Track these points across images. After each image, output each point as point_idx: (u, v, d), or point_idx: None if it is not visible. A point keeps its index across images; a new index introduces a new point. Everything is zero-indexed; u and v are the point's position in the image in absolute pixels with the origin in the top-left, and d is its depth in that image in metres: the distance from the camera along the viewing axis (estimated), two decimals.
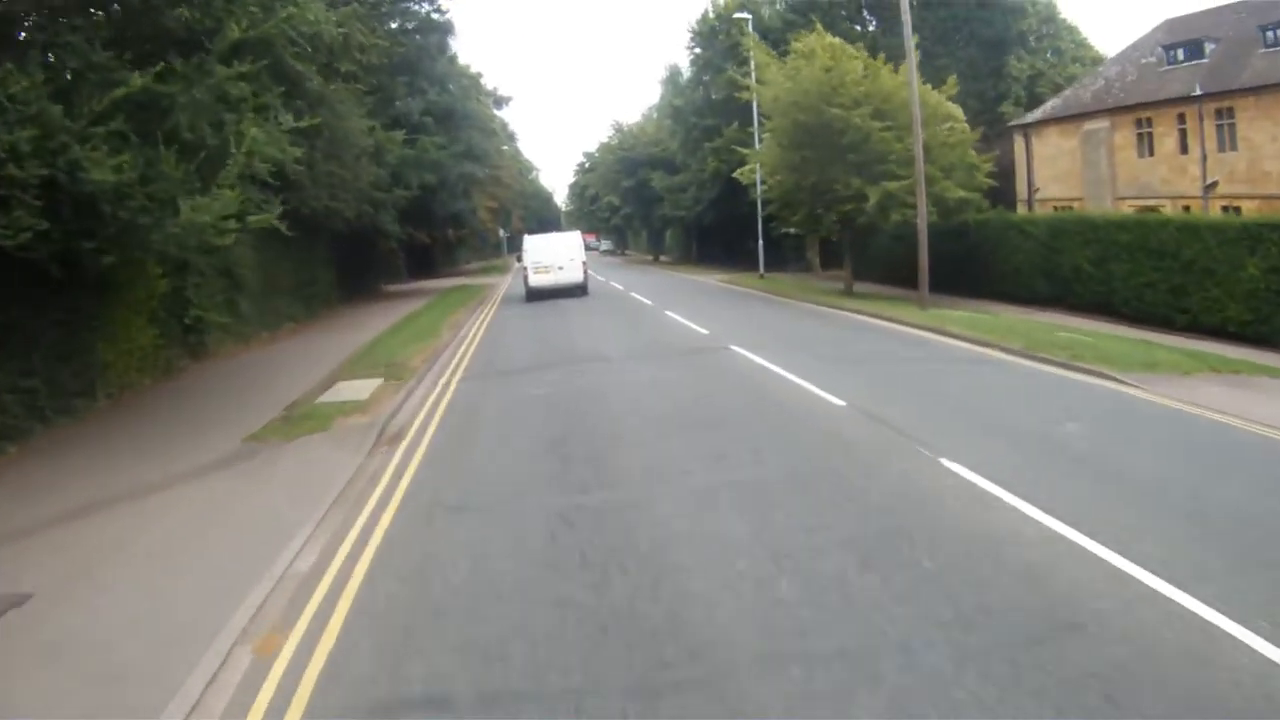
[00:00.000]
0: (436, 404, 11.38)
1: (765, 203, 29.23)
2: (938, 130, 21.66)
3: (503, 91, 61.72)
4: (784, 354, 13.10)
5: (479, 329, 20.40)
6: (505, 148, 49.51)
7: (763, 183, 28.90)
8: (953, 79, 23.14)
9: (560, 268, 26.48)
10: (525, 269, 26.96)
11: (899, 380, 11.56)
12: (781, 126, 24.28)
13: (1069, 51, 35.63)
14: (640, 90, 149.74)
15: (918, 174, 19.60)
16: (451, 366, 14.90)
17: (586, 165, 74.15)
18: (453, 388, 12.71)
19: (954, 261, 23.67)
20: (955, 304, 21.48)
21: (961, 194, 21.74)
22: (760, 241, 31.25)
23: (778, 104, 24.19)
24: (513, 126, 69.90)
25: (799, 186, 24.07)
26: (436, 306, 26.05)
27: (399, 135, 25.10)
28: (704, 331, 17.14)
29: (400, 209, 26.32)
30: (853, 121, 21.16)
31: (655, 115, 51.89)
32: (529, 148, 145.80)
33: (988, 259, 24.36)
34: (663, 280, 35.91)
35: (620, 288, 31.02)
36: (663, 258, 56.34)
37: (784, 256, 37.56)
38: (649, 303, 24.27)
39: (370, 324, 21.24)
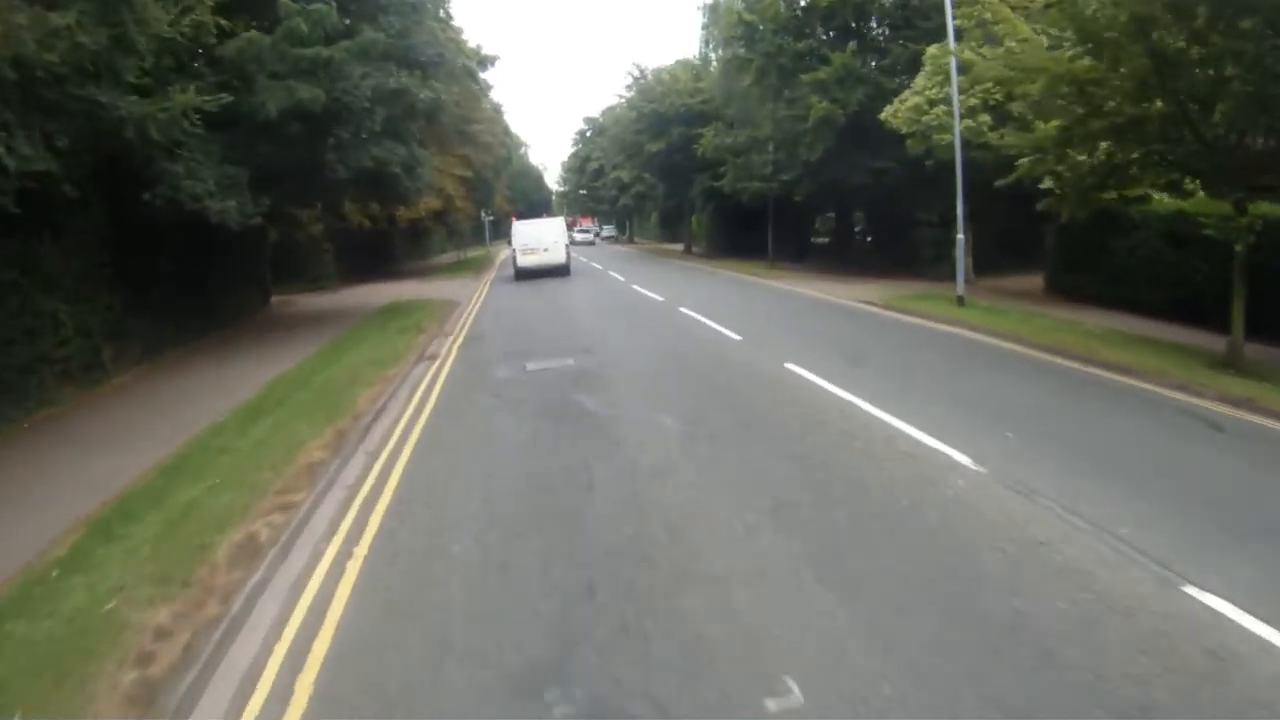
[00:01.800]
0: None
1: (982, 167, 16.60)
2: None
3: (488, 51, 48.47)
4: None
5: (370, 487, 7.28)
6: (486, 105, 36.17)
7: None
8: None
9: (545, 250, 27.50)
10: (514, 251, 28.31)
11: None
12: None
13: None
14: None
15: None
16: None
17: (589, 133, 61.15)
18: None
19: None
20: None
21: None
22: (961, 236, 18.14)
23: None
24: (499, 96, 55.86)
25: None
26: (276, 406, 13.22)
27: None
28: None
29: (252, 166, 13.17)
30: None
31: (698, 60, 38.85)
32: (516, 124, 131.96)
33: None
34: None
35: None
36: (694, 249, 43.45)
37: (859, 247, 25.01)
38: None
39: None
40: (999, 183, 15.00)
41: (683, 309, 15.73)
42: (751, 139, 28.67)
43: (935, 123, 19.52)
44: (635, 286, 21.38)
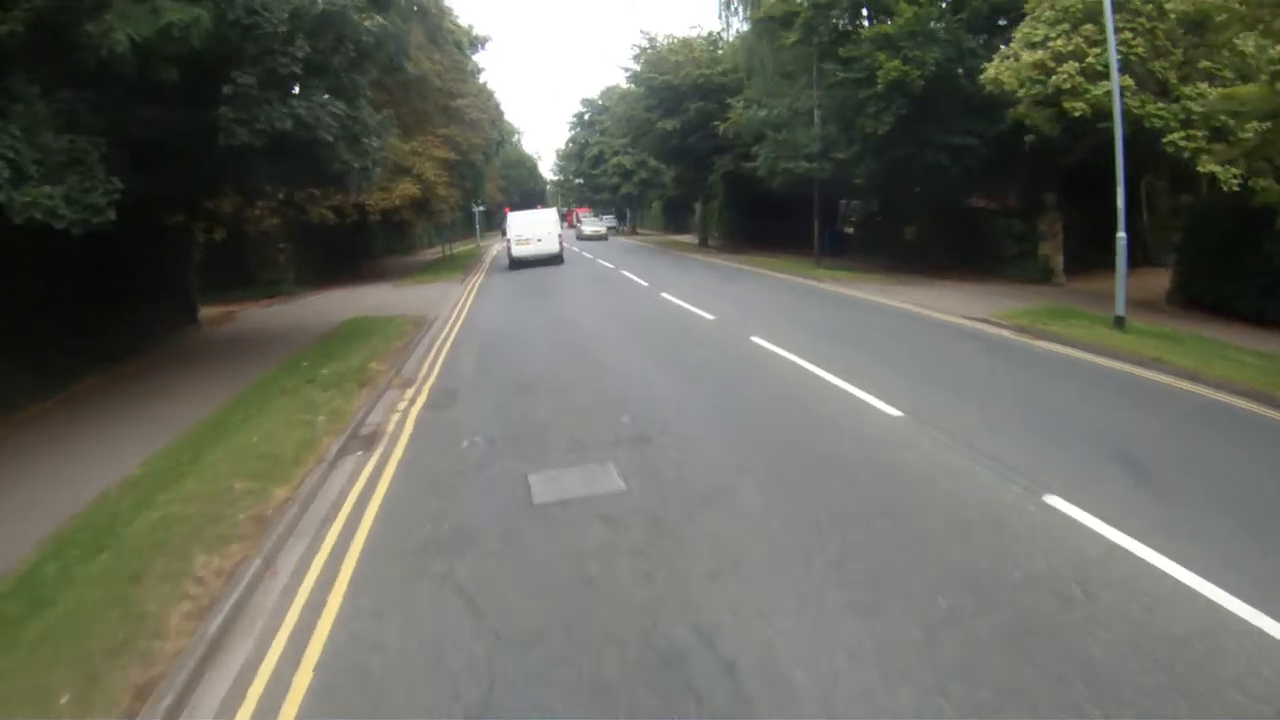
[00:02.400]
0: None
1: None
2: None
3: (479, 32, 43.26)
4: None
5: None
6: (474, 78, 31.07)
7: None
8: None
9: (539, 240, 27.64)
10: (509, 241, 28.63)
11: None
12: None
13: None
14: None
15: None
16: None
17: (586, 116, 56.15)
18: None
19: None
20: None
21: None
22: (1123, 235, 13.00)
23: None
24: (491, 82, 49.64)
25: None
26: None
27: None
28: None
29: (109, 134, 8.41)
30: None
31: (716, 30, 33.66)
32: (509, 111, 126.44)
33: None
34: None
35: None
36: (710, 241, 38.58)
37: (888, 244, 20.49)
38: None
39: None
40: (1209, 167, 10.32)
41: (757, 339, 11.00)
42: (792, 111, 23.83)
43: (1066, 84, 14.80)
44: (667, 295, 16.65)
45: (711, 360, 9.90)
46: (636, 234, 55.56)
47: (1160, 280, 19.69)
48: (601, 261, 28.29)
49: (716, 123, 29.77)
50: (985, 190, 23.99)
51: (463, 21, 29.21)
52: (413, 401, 8.78)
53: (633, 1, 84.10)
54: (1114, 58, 12.95)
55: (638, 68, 33.94)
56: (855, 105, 20.62)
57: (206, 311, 20.15)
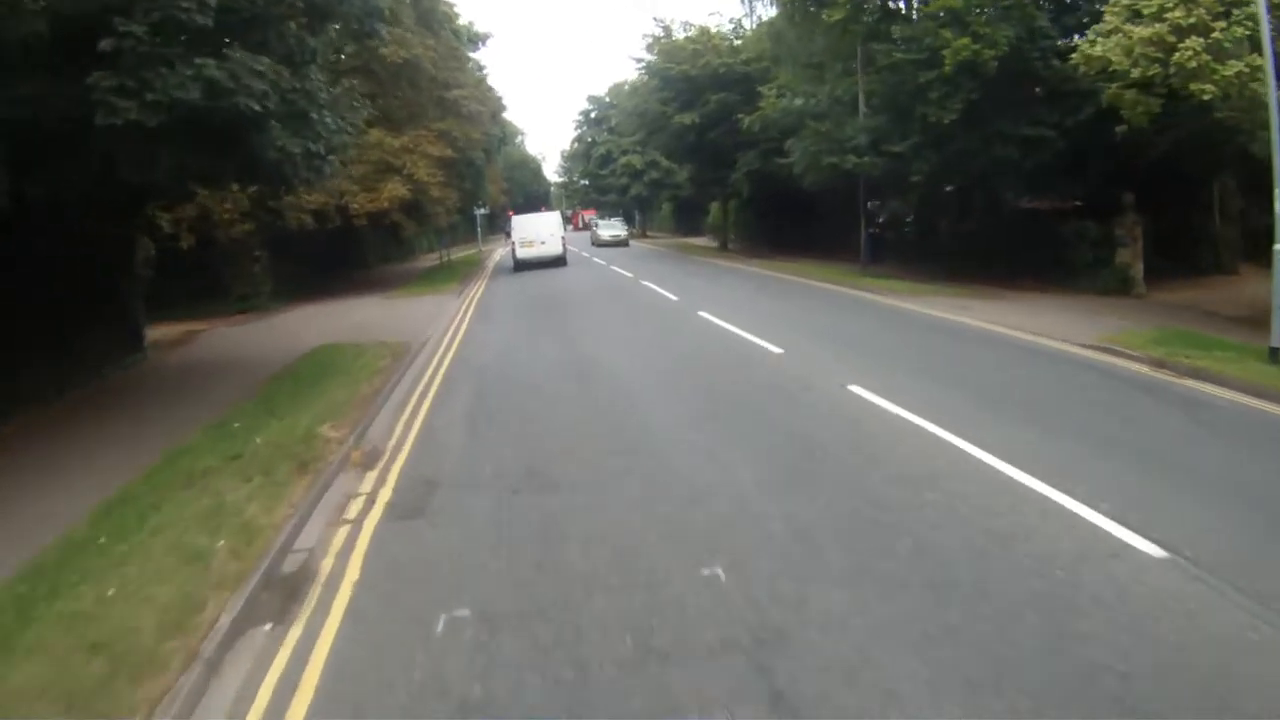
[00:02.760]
0: None
1: None
2: None
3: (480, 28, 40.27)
4: None
5: None
6: (472, 68, 28.20)
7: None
8: None
9: (543, 242, 27.73)
10: (513, 243, 28.84)
11: None
12: None
13: None
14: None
15: None
16: None
17: (593, 114, 53.36)
18: None
19: None
20: None
21: None
22: None
23: None
24: (491, 81, 46.04)
25: None
26: None
27: None
28: None
29: None
30: None
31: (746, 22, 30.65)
32: (512, 112, 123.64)
33: None
34: None
35: None
36: (729, 245, 35.74)
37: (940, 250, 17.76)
38: None
39: None
40: None
41: (858, 389, 8.10)
42: (832, 99, 20.98)
43: (1191, 62, 12.01)
44: (706, 315, 13.79)
45: (811, 432, 6.95)
46: (647, 237, 52.73)
47: (1248, 290, 16.89)
48: (616, 269, 25.45)
49: (740, 116, 26.98)
50: (1047, 189, 21.18)
51: (462, 20, 26.51)
52: (371, 501, 5.95)
53: None
54: (1266, 26, 10.20)
55: (651, 58, 31.17)
56: (913, 91, 17.80)
57: (165, 332, 17.47)
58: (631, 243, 49.15)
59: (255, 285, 21.80)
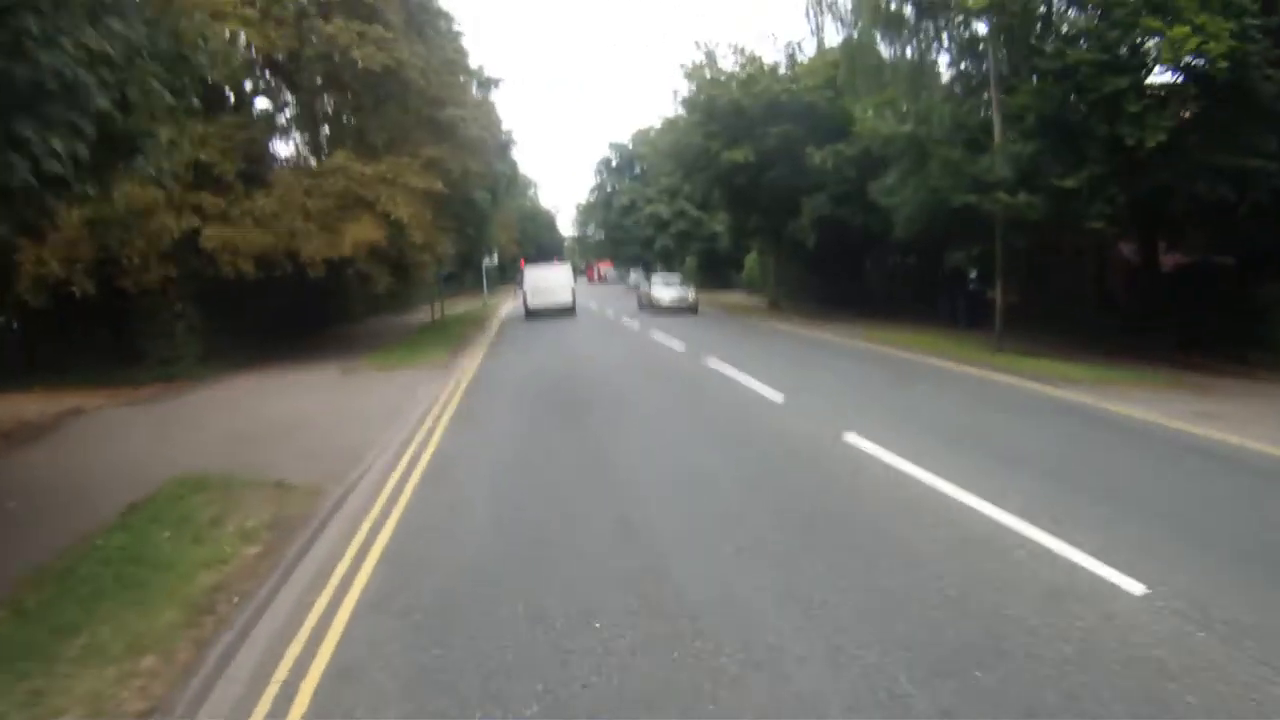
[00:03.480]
0: None
1: None
2: None
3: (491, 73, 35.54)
4: None
5: None
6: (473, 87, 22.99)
7: None
8: None
9: (554, 293, 28.18)
10: (525, 292, 29.07)
11: None
12: None
13: None
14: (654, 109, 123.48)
15: None
16: None
17: (614, 163, 48.90)
18: None
19: None
20: None
21: None
22: None
23: None
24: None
25: None
26: None
27: None
28: None
29: None
30: None
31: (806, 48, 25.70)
32: (525, 164, 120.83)
33: None
34: None
35: None
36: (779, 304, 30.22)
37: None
38: None
39: None
40: None
41: None
42: (955, 124, 15.72)
43: None
44: (857, 439, 8.06)
45: None
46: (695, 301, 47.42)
47: None
48: (658, 336, 19.85)
49: (810, 150, 21.94)
50: (1228, 239, 15.94)
51: (472, 64, 21.69)
52: None
53: (665, 32, 77.86)
54: None
55: (692, 87, 26.32)
56: (1095, 105, 12.55)
57: (43, 407, 12.30)
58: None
59: (177, 348, 16.44)
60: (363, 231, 15.27)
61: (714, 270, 46.66)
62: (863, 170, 21.31)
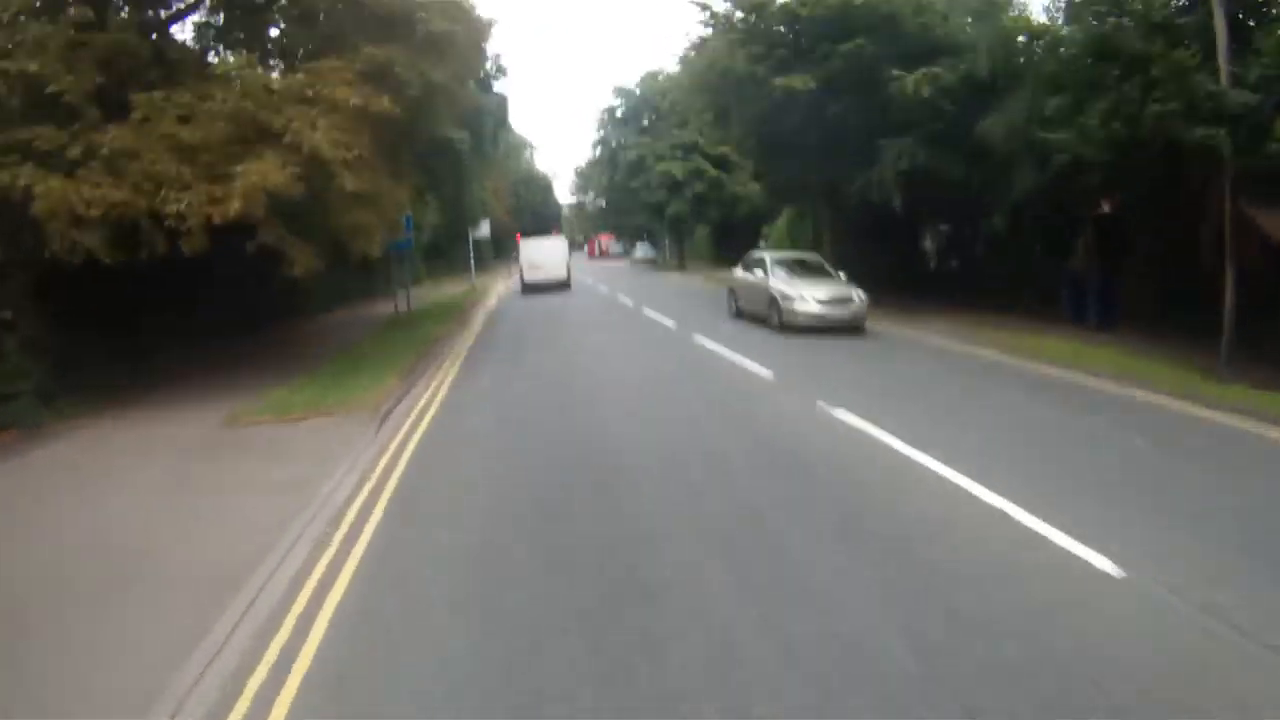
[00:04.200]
0: None
1: None
2: None
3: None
4: None
5: None
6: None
7: None
8: None
9: (549, 267, 29.00)
10: (521, 266, 29.73)
11: None
12: None
13: None
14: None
15: None
16: None
17: (619, 111, 42.65)
18: None
19: None
20: None
21: None
22: None
23: None
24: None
25: None
26: None
27: None
28: None
29: None
30: None
31: None
32: (521, 125, 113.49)
33: None
34: None
35: None
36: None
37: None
38: None
39: None
40: None
41: None
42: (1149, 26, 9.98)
43: None
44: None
45: None
46: (684, 269, 41.74)
47: None
48: (702, 341, 14.11)
49: (897, 73, 16.32)
50: None
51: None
52: None
53: None
54: None
55: (724, 4, 20.33)
56: None
57: None
58: (670, 277, 38.08)
59: (11, 377, 10.78)
60: (261, 174, 9.51)
61: (729, 241, 40.50)
62: (964, 105, 15.73)
